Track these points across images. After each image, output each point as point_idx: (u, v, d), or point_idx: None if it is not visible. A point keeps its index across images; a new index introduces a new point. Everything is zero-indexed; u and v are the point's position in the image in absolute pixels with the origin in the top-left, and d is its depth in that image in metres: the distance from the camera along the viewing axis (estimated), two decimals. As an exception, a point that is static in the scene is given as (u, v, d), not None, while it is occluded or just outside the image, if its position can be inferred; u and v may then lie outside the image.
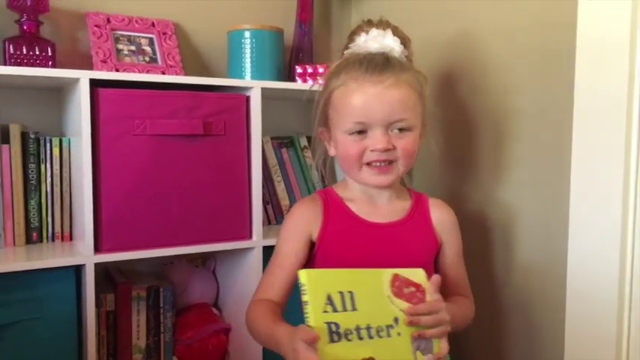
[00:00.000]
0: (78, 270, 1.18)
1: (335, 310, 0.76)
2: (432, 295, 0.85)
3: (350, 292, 0.78)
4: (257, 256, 1.32)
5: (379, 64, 0.94)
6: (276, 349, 0.84)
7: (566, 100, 1.07)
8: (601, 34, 1.00)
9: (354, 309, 0.78)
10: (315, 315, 0.75)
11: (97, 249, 1.17)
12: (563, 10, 1.08)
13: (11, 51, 1.22)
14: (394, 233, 1.00)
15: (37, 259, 1.13)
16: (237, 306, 1.43)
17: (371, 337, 0.78)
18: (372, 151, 0.94)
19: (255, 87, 1.30)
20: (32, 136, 1.24)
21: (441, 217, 1.05)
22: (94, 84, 1.15)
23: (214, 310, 1.48)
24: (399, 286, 0.83)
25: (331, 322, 0.76)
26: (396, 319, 0.81)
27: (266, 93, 1.32)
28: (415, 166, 1.43)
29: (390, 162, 0.95)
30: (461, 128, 1.33)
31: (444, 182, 1.39)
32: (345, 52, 1.03)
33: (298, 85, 1.40)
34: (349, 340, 0.77)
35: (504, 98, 1.22)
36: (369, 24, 1.01)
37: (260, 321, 0.91)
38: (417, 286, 0.84)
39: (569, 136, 1.06)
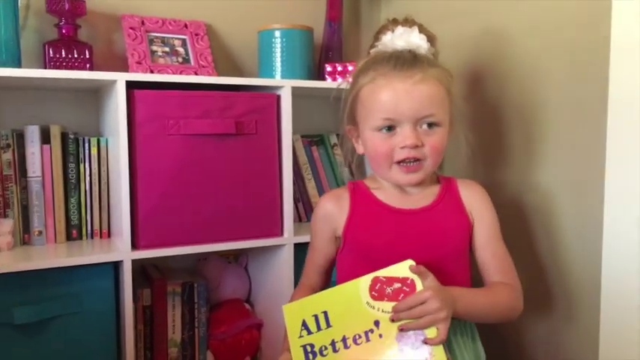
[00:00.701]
0: (116, 266, 1.21)
1: (309, 333, 0.86)
2: (422, 285, 0.86)
3: (324, 312, 0.86)
4: (288, 252, 1.34)
5: (407, 60, 0.94)
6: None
7: (597, 96, 1.05)
8: (635, 29, 0.98)
9: (328, 326, 0.86)
10: (292, 342, 0.87)
11: (134, 246, 1.20)
12: (594, 7, 1.06)
13: (51, 54, 1.26)
14: (424, 218, 0.99)
15: (77, 255, 1.17)
16: (269, 302, 1.45)
17: (347, 347, 0.85)
18: (402, 148, 0.93)
19: (285, 86, 1.31)
20: (72, 136, 1.28)
21: (470, 195, 1.03)
22: (130, 85, 1.18)
23: (247, 306, 1.51)
24: (380, 289, 0.85)
25: (306, 344, 0.86)
26: (376, 322, 0.85)
27: (296, 92, 1.33)
28: (445, 163, 1.44)
29: (419, 160, 0.95)
30: (491, 126, 1.32)
31: (474, 179, 1.38)
32: (371, 51, 1.03)
33: (328, 83, 1.41)
34: (324, 355, 0.85)
35: (535, 94, 1.20)
36: (395, 22, 1.01)
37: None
38: (404, 280, 0.85)
39: (601, 133, 1.05)
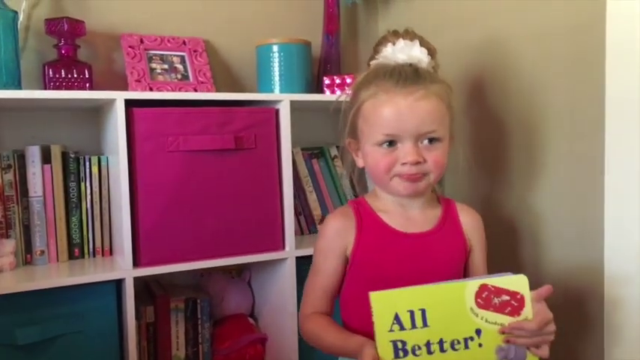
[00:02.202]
0: (118, 284, 1.21)
1: (402, 329, 0.79)
2: (531, 305, 0.82)
3: (421, 309, 0.80)
4: (290, 266, 1.34)
5: (409, 76, 0.94)
6: (348, 355, 0.89)
7: (598, 103, 1.05)
8: (630, 34, 0.98)
9: (425, 325, 0.80)
10: (379, 335, 0.79)
11: (136, 263, 1.21)
12: (590, 12, 1.06)
13: (50, 75, 1.27)
14: (427, 243, 1.00)
15: (79, 274, 1.17)
16: (273, 316, 1.45)
17: (443, 351, 0.80)
18: (403, 164, 0.94)
19: (284, 100, 1.32)
20: (72, 155, 1.29)
21: (470, 222, 1.05)
22: (129, 103, 1.19)
23: (250, 321, 1.50)
24: (487, 297, 0.80)
25: (397, 340, 0.79)
26: (477, 331, 0.81)
27: (295, 105, 1.34)
28: (445, 174, 1.44)
29: (422, 174, 0.96)
30: (490, 136, 1.32)
31: (475, 190, 1.38)
32: (371, 63, 1.03)
33: (327, 96, 1.41)
34: (416, 355, 0.80)
35: (533, 104, 1.21)
36: (395, 35, 1.01)
37: (327, 331, 0.96)
38: (513, 294, 0.81)
39: (601, 141, 1.05)
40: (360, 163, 1.03)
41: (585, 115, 1.10)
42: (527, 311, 0.81)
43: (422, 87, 0.93)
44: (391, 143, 0.94)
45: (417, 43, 0.99)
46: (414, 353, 0.79)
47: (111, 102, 1.19)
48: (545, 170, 1.19)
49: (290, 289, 1.34)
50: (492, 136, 1.31)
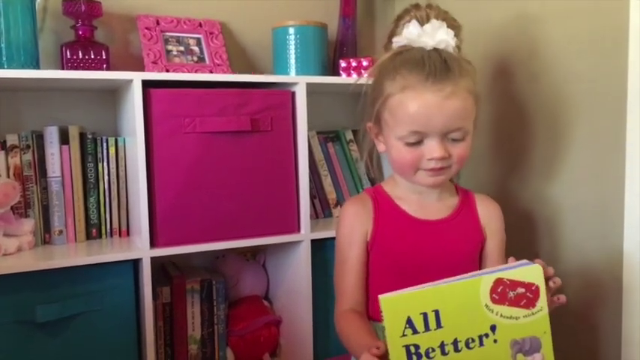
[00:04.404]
0: (135, 264, 1.23)
1: (415, 332, 0.76)
2: (544, 294, 0.80)
3: (435, 310, 0.76)
4: (305, 249, 1.34)
5: (438, 69, 0.91)
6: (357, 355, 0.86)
7: (621, 90, 1.03)
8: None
9: (438, 327, 0.76)
10: (391, 340, 0.76)
11: (153, 244, 1.21)
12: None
13: (68, 56, 1.27)
14: (443, 230, 1.00)
15: (97, 254, 1.18)
16: (288, 299, 1.45)
17: (458, 350, 0.77)
18: (429, 160, 0.93)
19: (300, 82, 1.31)
20: (90, 136, 1.29)
21: (487, 212, 1.04)
22: (146, 85, 1.19)
23: (265, 303, 1.51)
24: (503, 292, 0.77)
25: (410, 345, 0.76)
26: (492, 327, 0.78)
27: (311, 88, 1.33)
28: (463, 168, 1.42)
29: (446, 167, 0.95)
30: (510, 122, 1.30)
31: (492, 178, 1.37)
32: (393, 41, 0.99)
33: (343, 79, 1.41)
34: (430, 358, 0.77)
35: (555, 90, 1.19)
36: (417, 8, 0.97)
37: (353, 334, 0.94)
38: (528, 286, 0.78)
39: (623, 130, 1.03)
40: (381, 148, 1.02)
41: (608, 102, 1.08)
42: (542, 302, 0.79)
43: (451, 82, 0.90)
44: (417, 139, 0.93)
45: (444, 25, 0.95)
46: (427, 356, 0.77)
47: (128, 83, 1.19)
48: (566, 159, 1.18)
49: (305, 272, 1.34)
50: (513, 122, 1.30)
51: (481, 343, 0.78)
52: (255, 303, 1.49)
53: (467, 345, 0.77)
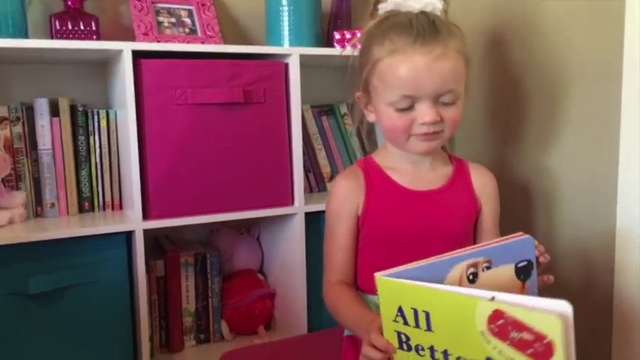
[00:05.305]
0: (128, 237, 1.22)
1: (406, 323, 0.69)
2: (562, 353, 0.59)
3: (425, 312, 0.67)
4: (299, 222, 1.34)
5: (427, 31, 0.89)
6: (360, 336, 0.85)
7: (617, 63, 1.02)
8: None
9: (428, 329, 0.67)
10: (385, 321, 0.71)
11: (145, 216, 1.21)
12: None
13: (57, 26, 1.25)
14: (436, 201, 0.99)
15: (90, 226, 1.18)
16: (282, 272, 1.45)
17: None
18: (422, 124, 0.91)
19: (293, 54, 1.30)
20: (80, 109, 1.28)
21: (482, 182, 1.03)
22: (137, 56, 1.17)
23: (259, 276, 1.51)
24: (503, 327, 0.62)
25: (401, 332, 0.70)
26: None
27: (305, 60, 1.31)
28: (458, 132, 1.41)
29: (438, 132, 0.93)
30: (506, 93, 1.29)
31: (488, 149, 1.36)
32: (378, 7, 0.97)
33: (337, 50, 1.39)
34: (420, 355, 0.70)
35: (552, 61, 1.17)
36: None
37: (345, 306, 0.94)
38: (539, 336, 0.59)
39: (618, 103, 1.02)
40: (371, 117, 1.01)
41: (604, 74, 1.07)
42: None
43: (440, 43, 0.89)
44: (408, 104, 0.91)
45: None
46: (417, 352, 0.70)
47: (118, 53, 1.17)
48: (562, 131, 1.17)
49: (299, 245, 1.34)
50: (508, 94, 1.29)
51: None
52: (249, 276, 1.49)
53: None
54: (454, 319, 0.65)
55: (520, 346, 0.61)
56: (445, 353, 0.68)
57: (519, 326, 0.60)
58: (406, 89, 0.90)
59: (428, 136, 0.93)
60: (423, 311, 0.67)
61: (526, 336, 0.60)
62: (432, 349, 0.69)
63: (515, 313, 0.60)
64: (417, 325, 0.68)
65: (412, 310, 0.67)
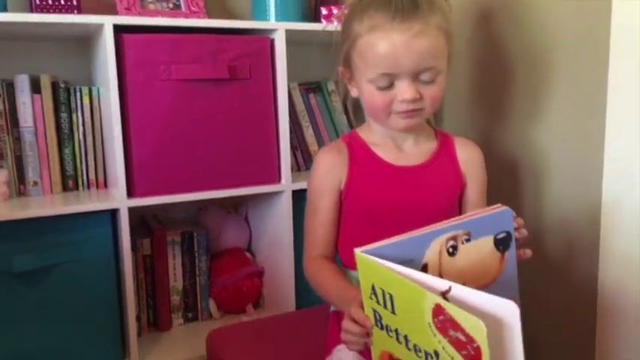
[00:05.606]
0: (113, 215, 1.21)
1: (378, 303, 0.69)
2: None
3: (390, 294, 0.67)
4: (287, 200, 1.33)
5: (406, 8, 0.88)
6: (342, 307, 0.84)
7: (604, 39, 1.02)
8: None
9: (393, 312, 0.68)
10: (364, 296, 0.71)
11: (130, 194, 1.20)
12: None
13: (37, 1, 1.22)
14: (420, 175, 0.98)
15: (74, 204, 1.16)
16: (270, 250, 1.45)
17: (409, 349, 0.68)
18: (401, 102, 0.90)
19: (279, 29, 1.28)
20: (62, 85, 1.25)
21: (467, 156, 1.02)
22: (119, 31, 1.15)
23: (247, 255, 1.51)
24: (443, 323, 0.61)
25: (375, 311, 0.71)
26: (436, 353, 0.64)
27: (292, 36, 1.30)
28: (445, 110, 1.41)
29: (419, 109, 0.93)
30: (493, 69, 1.28)
31: (475, 124, 1.36)
32: None
33: (323, 25, 1.36)
34: (389, 336, 0.70)
35: (539, 37, 1.16)
36: None
37: (327, 280, 0.94)
38: (470, 340, 0.59)
39: (605, 77, 1.02)
40: (354, 93, 1.00)
41: (591, 47, 1.06)
42: None
43: (420, 20, 0.87)
44: (388, 82, 0.90)
45: None
46: (387, 332, 0.70)
47: (99, 28, 1.15)
48: (548, 105, 1.16)
49: (286, 223, 1.34)
50: (495, 67, 1.28)
51: (426, 359, 0.66)
52: (237, 255, 1.49)
53: (415, 350, 0.67)
54: (410, 306, 0.65)
55: (457, 345, 0.61)
56: (406, 338, 0.68)
57: (455, 325, 0.60)
58: (384, 67, 0.89)
59: (408, 113, 0.92)
60: (389, 293, 0.67)
61: (460, 336, 0.60)
62: (397, 331, 0.69)
63: (452, 311, 0.59)
64: (385, 306, 0.68)
65: (381, 291, 0.68)
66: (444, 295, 0.63)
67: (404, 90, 0.90)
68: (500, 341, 0.58)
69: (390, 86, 0.91)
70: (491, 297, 0.59)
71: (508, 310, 0.58)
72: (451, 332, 0.60)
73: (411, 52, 0.87)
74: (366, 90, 0.94)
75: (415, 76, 0.90)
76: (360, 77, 0.94)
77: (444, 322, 0.61)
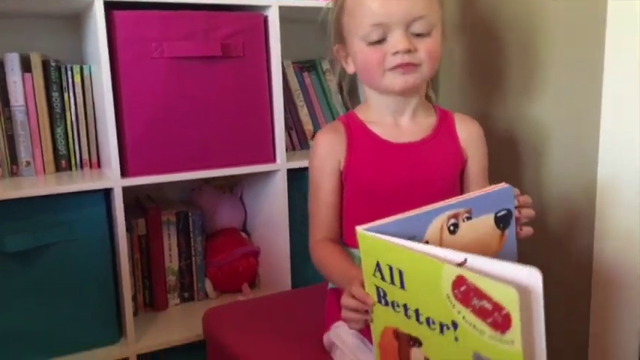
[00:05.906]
0: (107, 195, 1.20)
1: (383, 279, 0.69)
2: (518, 327, 0.57)
3: (399, 270, 0.67)
4: (282, 179, 1.33)
5: None
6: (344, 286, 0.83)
7: (600, 11, 1.01)
8: None
9: (402, 287, 0.68)
10: (365, 274, 0.72)
11: (124, 174, 1.19)
12: None
13: (26, -23, 1.20)
14: (419, 152, 0.97)
15: (67, 184, 1.15)
16: (265, 230, 1.45)
17: (419, 322, 0.68)
18: (394, 54, 0.89)
19: (273, 5, 1.26)
20: (53, 64, 1.24)
21: (467, 131, 1.01)
22: (110, 7, 1.13)
23: (243, 235, 1.51)
24: (466, 293, 0.62)
25: (380, 288, 0.71)
26: (454, 323, 0.64)
27: (286, 13, 1.28)
28: (440, 82, 1.40)
29: (414, 65, 0.91)
30: (487, 43, 1.27)
31: (471, 99, 1.35)
32: None
33: (318, 2, 1.35)
34: (396, 311, 0.70)
35: (533, 8, 1.15)
36: None
37: (331, 261, 0.93)
38: (498, 307, 0.59)
39: (601, 49, 1.01)
40: (350, 69, 0.99)
41: (588, 25, 1.05)
42: (515, 334, 0.57)
43: None
44: (380, 35, 0.89)
45: None
46: (393, 308, 0.70)
47: (90, 4, 1.13)
48: (543, 79, 1.16)
49: (282, 202, 1.34)
50: (493, 44, 1.27)
51: (441, 331, 0.67)
52: (232, 235, 1.48)
53: (428, 323, 0.68)
54: (423, 280, 0.65)
55: (481, 314, 0.61)
56: (417, 312, 0.68)
57: (480, 294, 0.60)
58: (375, 17, 0.88)
59: (403, 67, 0.90)
60: (397, 269, 0.67)
61: (486, 305, 0.60)
62: (405, 306, 0.69)
63: (476, 281, 0.59)
64: (393, 282, 0.68)
65: (388, 267, 0.68)
66: (460, 266, 0.63)
67: (397, 40, 0.89)
68: (526, 307, 0.58)
69: (383, 41, 0.90)
70: (513, 265, 0.59)
71: (532, 277, 0.58)
72: (474, 301, 0.60)
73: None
74: (358, 50, 0.93)
75: (407, 27, 0.89)
76: (352, 40, 0.93)
77: (466, 292, 0.61)
